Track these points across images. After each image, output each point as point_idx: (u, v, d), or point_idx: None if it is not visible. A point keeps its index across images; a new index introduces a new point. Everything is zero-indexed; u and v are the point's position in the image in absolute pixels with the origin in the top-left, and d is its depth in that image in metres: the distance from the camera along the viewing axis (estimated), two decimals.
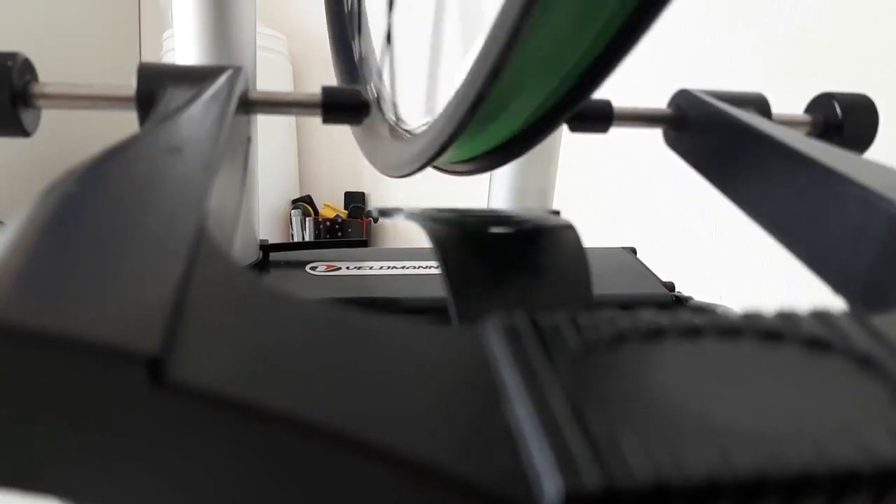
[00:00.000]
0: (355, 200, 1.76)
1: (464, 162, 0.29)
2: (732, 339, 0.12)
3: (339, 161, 1.78)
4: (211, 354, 0.10)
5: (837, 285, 0.19)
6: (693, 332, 0.12)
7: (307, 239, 1.65)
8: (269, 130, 1.53)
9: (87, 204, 0.14)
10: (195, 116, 0.20)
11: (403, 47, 0.53)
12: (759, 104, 0.29)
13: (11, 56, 0.23)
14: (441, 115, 0.24)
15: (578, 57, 0.20)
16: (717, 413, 0.10)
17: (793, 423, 0.10)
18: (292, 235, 1.69)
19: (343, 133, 0.29)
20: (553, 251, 0.23)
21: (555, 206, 0.46)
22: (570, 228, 0.25)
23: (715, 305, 0.35)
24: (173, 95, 0.23)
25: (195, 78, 0.24)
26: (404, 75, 0.53)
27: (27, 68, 0.24)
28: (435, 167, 0.32)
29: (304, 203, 1.74)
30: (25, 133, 0.23)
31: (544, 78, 0.21)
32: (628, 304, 0.36)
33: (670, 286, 0.40)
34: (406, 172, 0.31)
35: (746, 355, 0.12)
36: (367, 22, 0.51)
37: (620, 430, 0.10)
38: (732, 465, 0.09)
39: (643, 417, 0.10)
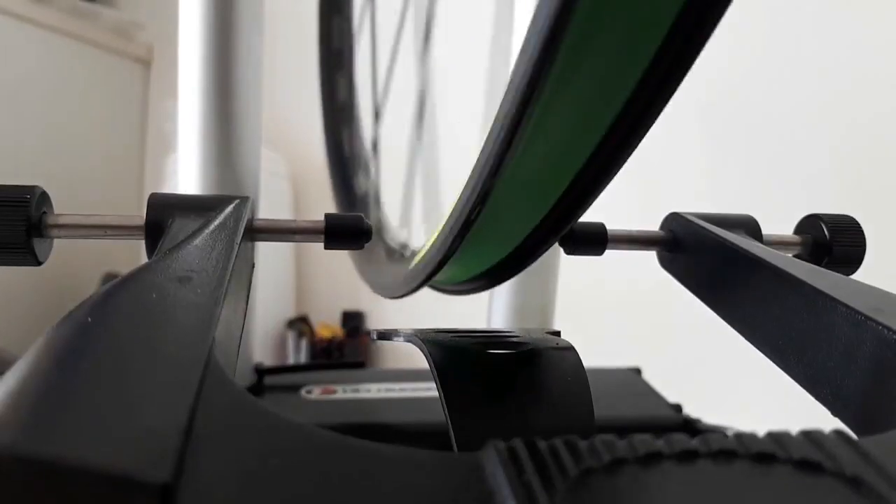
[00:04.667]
0: (353, 320, 1.76)
1: (464, 282, 0.30)
2: (726, 461, 0.12)
3: (338, 280, 1.79)
4: (219, 484, 0.11)
5: (833, 407, 0.20)
6: (689, 456, 0.12)
7: (303, 360, 1.63)
8: (268, 249, 1.56)
9: (100, 333, 0.14)
10: (204, 246, 0.20)
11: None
12: (749, 226, 0.30)
13: (30, 189, 0.24)
14: (435, 239, 0.24)
15: (566, 181, 0.20)
16: None
17: None
18: (288, 357, 1.67)
19: (341, 252, 0.30)
20: (553, 373, 0.24)
21: (556, 326, 0.47)
22: (570, 350, 0.25)
23: (725, 428, 0.35)
24: (182, 225, 0.24)
25: (203, 207, 0.25)
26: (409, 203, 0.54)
27: (44, 200, 0.25)
28: (434, 287, 0.33)
29: (300, 323, 1.74)
30: (38, 262, 0.24)
31: (532, 201, 0.22)
32: (634, 428, 0.36)
33: (678, 408, 0.40)
34: (401, 293, 0.32)
35: (740, 478, 0.12)
36: (365, 160, 0.54)
37: None
38: None
39: None
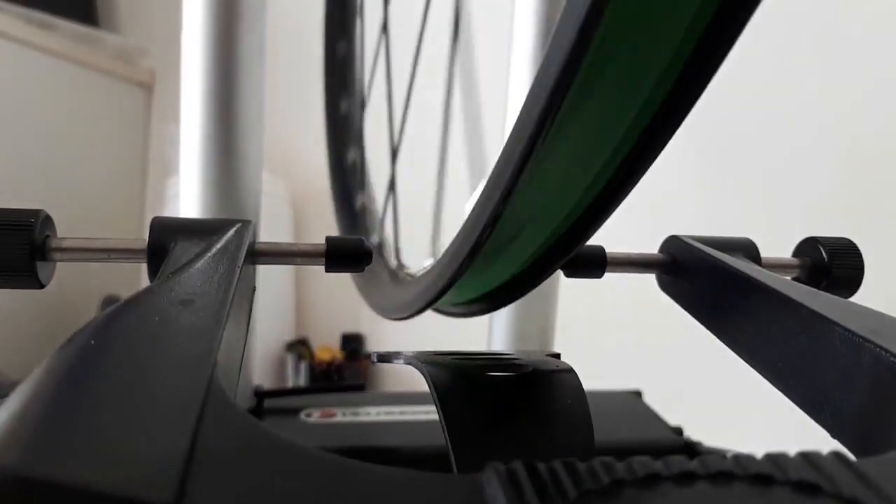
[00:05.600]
0: (353, 343, 1.75)
1: (464, 304, 0.30)
2: (725, 483, 0.12)
3: (337, 302, 1.79)
4: None
5: (832, 429, 0.20)
6: (687, 478, 0.13)
7: (302, 383, 1.63)
8: (268, 272, 1.55)
9: (104, 356, 0.14)
10: (206, 269, 0.21)
11: (407, 195, 0.55)
12: (748, 249, 0.30)
13: (34, 213, 0.24)
14: (441, 259, 0.25)
15: (576, 201, 0.21)
16: None
17: None
18: (287, 380, 1.66)
19: (341, 275, 0.30)
20: (553, 396, 0.24)
21: (556, 349, 0.47)
22: (569, 372, 0.25)
23: (726, 451, 0.35)
24: (184, 248, 0.24)
25: (205, 231, 0.25)
26: (408, 221, 0.54)
27: (47, 224, 0.25)
28: (435, 309, 0.33)
29: (299, 346, 1.74)
30: (40, 285, 0.24)
31: (543, 221, 0.22)
32: (635, 451, 0.35)
33: (679, 431, 0.40)
34: (405, 315, 0.32)
35: (738, 500, 0.12)
36: (369, 175, 0.54)
37: None
38: None
39: None
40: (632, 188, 0.19)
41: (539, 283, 0.25)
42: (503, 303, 0.27)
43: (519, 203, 0.19)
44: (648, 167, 0.18)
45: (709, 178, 0.87)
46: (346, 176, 0.61)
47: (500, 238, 0.21)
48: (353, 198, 0.60)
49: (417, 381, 0.25)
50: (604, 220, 0.20)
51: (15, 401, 0.13)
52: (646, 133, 0.17)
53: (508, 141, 0.17)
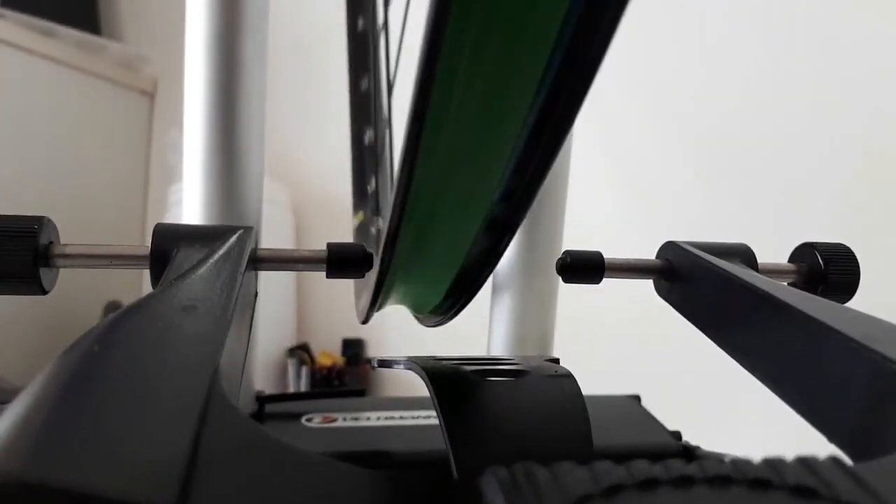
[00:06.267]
0: (353, 348, 1.75)
1: (431, 313, 0.29)
2: (723, 487, 0.13)
3: (338, 308, 1.79)
4: None
5: (830, 434, 0.20)
6: (685, 482, 0.13)
7: (303, 388, 1.63)
8: (269, 277, 1.55)
9: (107, 361, 0.14)
10: (208, 276, 0.21)
11: None
12: (745, 255, 0.30)
13: (38, 220, 0.24)
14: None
15: (489, 184, 0.19)
16: None
17: None
18: (288, 385, 1.66)
19: (342, 280, 0.30)
20: (552, 400, 0.24)
21: (555, 353, 0.47)
22: (568, 377, 0.25)
23: (724, 455, 0.35)
24: (187, 255, 0.24)
25: (207, 237, 0.25)
26: None
27: (51, 230, 0.25)
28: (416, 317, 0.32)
29: (300, 351, 1.73)
30: (43, 291, 0.24)
31: (462, 205, 0.21)
32: (634, 455, 0.35)
33: (677, 435, 0.40)
34: (362, 319, 0.31)
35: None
36: (386, 157, 0.53)
37: None
38: None
39: None
40: (546, 171, 0.18)
41: (484, 280, 0.23)
42: (461, 303, 0.26)
43: (424, 186, 0.18)
44: (552, 160, 0.17)
45: (709, 180, 0.87)
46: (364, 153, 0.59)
47: (420, 229, 0.20)
48: (366, 179, 0.58)
49: (417, 386, 0.25)
50: (528, 204, 0.19)
51: (18, 406, 0.13)
52: (540, 118, 0.16)
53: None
